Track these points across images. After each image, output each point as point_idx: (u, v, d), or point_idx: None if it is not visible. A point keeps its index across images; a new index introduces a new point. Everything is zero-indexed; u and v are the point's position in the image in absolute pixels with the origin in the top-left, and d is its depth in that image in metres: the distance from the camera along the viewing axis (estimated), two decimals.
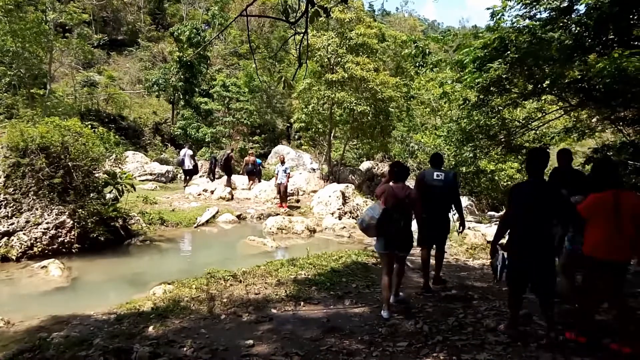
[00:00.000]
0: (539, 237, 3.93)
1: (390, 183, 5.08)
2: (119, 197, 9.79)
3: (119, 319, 4.97)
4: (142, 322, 4.80)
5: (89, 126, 9.90)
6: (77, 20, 23.80)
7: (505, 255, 4.23)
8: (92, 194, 9.26)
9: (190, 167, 17.73)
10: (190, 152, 18.00)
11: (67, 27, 25.80)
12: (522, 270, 4.06)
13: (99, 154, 9.57)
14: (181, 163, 18.12)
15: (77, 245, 8.49)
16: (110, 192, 9.70)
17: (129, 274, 7.79)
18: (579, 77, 7.82)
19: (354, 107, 17.42)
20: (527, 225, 3.99)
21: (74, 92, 27.13)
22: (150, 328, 4.58)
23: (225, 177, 17.53)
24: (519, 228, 4.08)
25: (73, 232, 8.56)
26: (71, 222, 8.60)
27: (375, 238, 5.02)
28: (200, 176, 20.31)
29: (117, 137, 11.80)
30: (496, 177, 16.12)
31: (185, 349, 4.05)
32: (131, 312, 5.21)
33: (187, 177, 18.07)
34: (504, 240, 4.37)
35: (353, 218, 13.53)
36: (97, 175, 9.66)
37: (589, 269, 4.04)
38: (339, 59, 17.96)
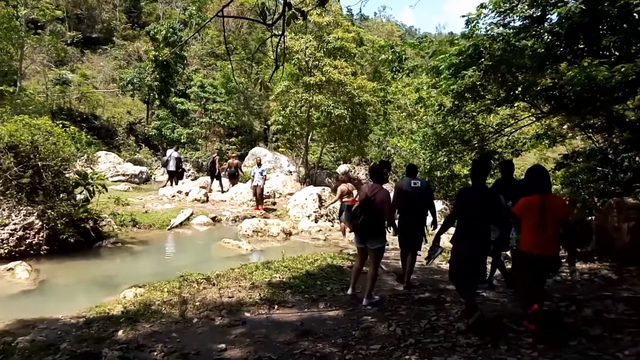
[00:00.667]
0: (478, 234, 4.47)
1: (369, 182, 5.63)
2: (90, 198, 9.58)
3: (87, 322, 4.85)
4: (111, 326, 4.70)
5: (60, 125, 9.68)
6: (49, 16, 23.31)
7: (441, 244, 4.92)
8: (62, 195, 9.04)
9: (173, 169, 17.43)
10: (176, 155, 17.85)
11: (39, 24, 25.19)
12: (465, 260, 4.50)
13: (69, 154, 9.34)
14: (165, 164, 17.90)
15: (45, 247, 8.26)
16: (81, 193, 9.50)
17: (99, 277, 7.63)
18: (551, 85, 8.00)
19: (332, 111, 17.50)
20: (469, 224, 4.51)
21: (45, 90, 26.50)
22: (120, 332, 4.49)
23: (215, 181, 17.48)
24: (464, 226, 4.57)
25: (42, 234, 8.33)
26: (40, 223, 8.37)
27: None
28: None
29: (89, 136, 11.57)
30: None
31: (155, 353, 3.97)
32: (101, 315, 5.09)
33: (170, 179, 17.69)
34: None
35: (329, 221, 13.55)
36: (67, 175, 9.43)
37: (519, 260, 4.69)
38: (317, 62, 18.02)
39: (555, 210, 4.23)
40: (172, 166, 17.37)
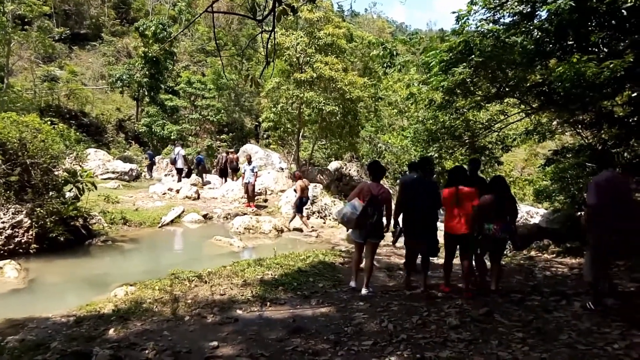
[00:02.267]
0: (421, 215, 5.63)
1: (368, 181, 5.98)
2: (79, 195, 9.48)
3: (78, 321, 4.81)
4: (102, 324, 4.66)
5: (49, 122, 9.57)
6: (37, 12, 23.03)
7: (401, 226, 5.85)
8: (51, 193, 8.95)
9: (182, 167, 18.04)
10: (184, 152, 18.55)
11: (26, 20, 24.86)
12: (413, 237, 5.76)
13: (58, 151, 9.25)
14: (174, 161, 18.34)
15: (35, 245, 8.19)
16: (70, 191, 9.41)
17: (89, 275, 7.57)
18: (540, 81, 8.05)
19: (323, 107, 17.46)
20: (414, 208, 5.67)
21: (33, 87, 26.20)
22: (111, 330, 4.46)
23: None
24: (409, 209, 5.75)
25: (31, 232, 8.25)
26: (29, 221, 8.29)
27: (351, 229, 5.87)
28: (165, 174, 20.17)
29: (78, 134, 11.46)
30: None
31: (147, 351, 3.95)
32: (91, 314, 5.05)
33: (179, 176, 18.20)
34: None
35: (321, 218, 13.55)
36: (56, 173, 9.33)
37: (445, 239, 5.92)
38: (308, 58, 17.97)
39: (466, 198, 5.56)
40: (180, 164, 17.89)
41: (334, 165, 22.48)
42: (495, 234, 5.51)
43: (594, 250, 5.00)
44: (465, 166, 7.04)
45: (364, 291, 5.72)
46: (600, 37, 7.11)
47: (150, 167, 21.96)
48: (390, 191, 6.06)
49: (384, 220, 5.80)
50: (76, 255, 8.53)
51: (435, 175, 8.61)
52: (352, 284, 5.99)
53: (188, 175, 18.97)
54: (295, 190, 12.26)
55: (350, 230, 6.08)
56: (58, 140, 9.38)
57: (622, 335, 4.06)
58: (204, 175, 19.70)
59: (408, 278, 6.15)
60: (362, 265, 6.08)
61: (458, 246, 5.84)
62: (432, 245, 5.86)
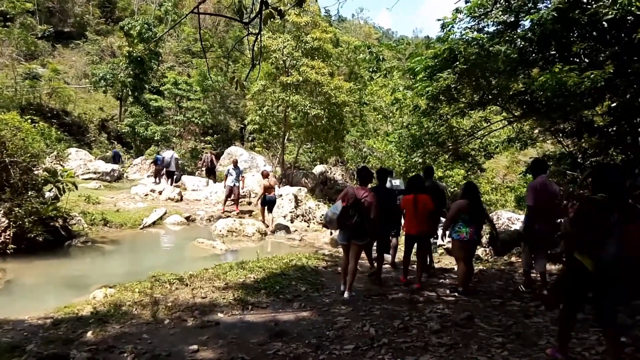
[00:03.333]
0: (384, 218, 6.18)
1: (355, 185, 6.44)
2: (59, 196, 9.33)
3: (55, 323, 4.73)
4: (80, 327, 4.59)
5: (29, 120, 9.41)
6: (19, 9, 22.70)
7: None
8: (30, 192, 8.77)
9: (174, 169, 17.72)
10: (177, 156, 18.51)
11: (8, 16, 24.44)
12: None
13: (39, 150, 9.09)
14: (168, 164, 17.90)
15: (12, 245, 8.00)
16: (50, 191, 9.25)
17: (68, 277, 7.44)
18: (523, 89, 8.17)
19: (308, 111, 17.47)
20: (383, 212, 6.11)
21: (14, 85, 25.67)
22: (89, 333, 4.38)
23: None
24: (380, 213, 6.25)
25: (8, 232, 8.07)
26: (7, 221, 8.11)
27: (337, 231, 6.06)
28: (149, 176, 19.87)
29: (59, 133, 11.33)
30: (444, 183, 16.59)
31: (125, 354, 3.90)
32: (69, 316, 4.97)
33: (171, 179, 17.79)
34: None
35: (305, 221, 13.54)
36: (36, 172, 9.15)
37: (405, 238, 6.87)
38: (294, 62, 17.98)
39: (425, 204, 6.36)
40: (173, 166, 17.60)
41: (319, 169, 22.51)
42: (471, 237, 5.92)
43: (529, 245, 6.07)
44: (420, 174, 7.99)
45: (346, 294, 5.84)
46: (581, 48, 7.25)
47: (159, 173, 18.84)
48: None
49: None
50: (55, 256, 8.38)
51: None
52: (342, 287, 6.07)
53: (177, 179, 18.69)
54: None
55: (335, 233, 6.30)
56: (38, 139, 9.23)
57: (599, 341, 4.13)
58: (160, 176, 18.90)
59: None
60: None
61: (415, 244, 6.69)
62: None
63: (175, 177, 18.16)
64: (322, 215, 6.31)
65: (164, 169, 17.83)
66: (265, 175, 12.68)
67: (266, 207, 12.43)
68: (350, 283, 5.91)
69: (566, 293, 3.76)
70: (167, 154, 18.07)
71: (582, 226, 3.48)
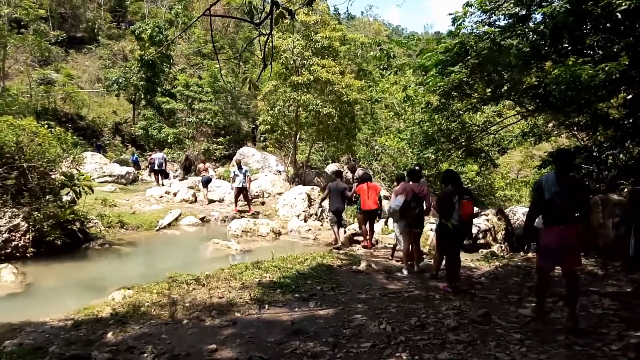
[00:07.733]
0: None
1: (410, 182, 7.27)
2: (76, 199, 9.46)
3: (76, 325, 4.80)
4: (100, 328, 4.66)
5: (45, 126, 9.55)
6: (33, 15, 23.01)
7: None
8: (48, 196, 8.93)
9: (165, 169, 19.35)
10: (167, 157, 20.75)
11: (22, 23, 24.79)
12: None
13: (55, 155, 9.24)
14: (160, 165, 18.96)
15: (32, 249, 8.16)
16: (67, 194, 9.39)
17: (86, 279, 7.55)
18: (536, 83, 8.10)
19: (320, 110, 17.44)
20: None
21: (29, 91, 26.13)
22: (109, 334, 4.45)
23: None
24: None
25: (28, 236, 8.23)
26: (26, 225, 8.26)
27: (397, 221, 7.30)
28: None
29: (75, 137, 11.44)
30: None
31: (145, 355, 3.95)
32: (89, 318, 5.04)
33: (162, 178, 19.01)
34: None
35: (319, 220, 13.55)
36: (53, 176, 9.31)
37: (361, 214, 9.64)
38: (305, 61, 17.96)
39: (375, 189, 9.43)
40: (164, 167, 18.85)
41: (331, 167, 22.49)
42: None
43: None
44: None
45: (404, 272, 7.07)
46: (595, 40, 7.17)
47: (156, 175, 19.16)
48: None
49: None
50: (73, 258, 8.51)
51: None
52: (405, 272, 7.07)
53: (166, 176, 19.95)
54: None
55: (396, 222, 7.48)
56: (55, 144, 9.36)
57: (619, 336, 4.09)
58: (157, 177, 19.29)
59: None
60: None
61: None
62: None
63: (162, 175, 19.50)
64: (387, 208, 8.64)
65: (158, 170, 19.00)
66: (202, 160, 16.86)
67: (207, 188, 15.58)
68: (419, 262, 7.33)
69: (440, 243, 6.28)
70: (157, 156, 19.05)
71: (443, 204, 5.86)
